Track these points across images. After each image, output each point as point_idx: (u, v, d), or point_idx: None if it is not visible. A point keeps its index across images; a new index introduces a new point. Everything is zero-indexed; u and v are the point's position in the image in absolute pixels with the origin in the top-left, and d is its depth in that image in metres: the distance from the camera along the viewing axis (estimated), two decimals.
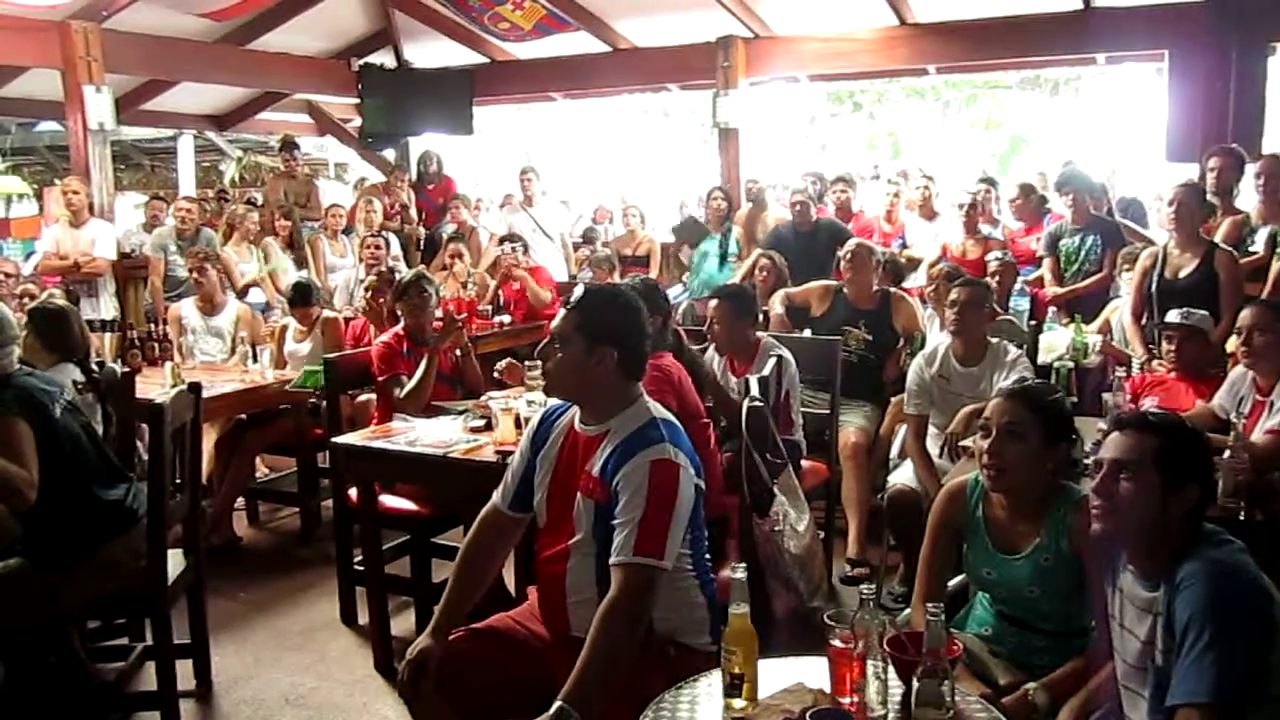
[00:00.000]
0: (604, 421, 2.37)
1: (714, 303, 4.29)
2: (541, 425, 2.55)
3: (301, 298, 5.56)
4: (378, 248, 6.84)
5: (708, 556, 2.47)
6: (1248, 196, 5.09)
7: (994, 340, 4.14)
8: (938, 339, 4.47)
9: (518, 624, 2.50)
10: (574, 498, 2.37)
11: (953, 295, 4.13)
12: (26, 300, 5.39)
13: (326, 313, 5.75)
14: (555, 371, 2.40)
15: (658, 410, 2.40)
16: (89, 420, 3.26)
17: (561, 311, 2.42)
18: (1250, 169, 5.05)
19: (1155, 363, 4.32)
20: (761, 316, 4.83)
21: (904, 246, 6.94)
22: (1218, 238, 4.80)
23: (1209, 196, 4.95)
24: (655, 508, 2.21)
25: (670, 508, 2.23)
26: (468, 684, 2.32)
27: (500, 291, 7.03)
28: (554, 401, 2.60)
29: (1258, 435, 3.24)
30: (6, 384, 3.03)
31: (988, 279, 5.31)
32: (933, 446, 4.08)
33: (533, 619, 2.51)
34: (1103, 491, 1.97)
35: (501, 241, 7.33)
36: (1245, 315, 3.59)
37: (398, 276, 5.02)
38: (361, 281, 6.63)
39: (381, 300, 5.22)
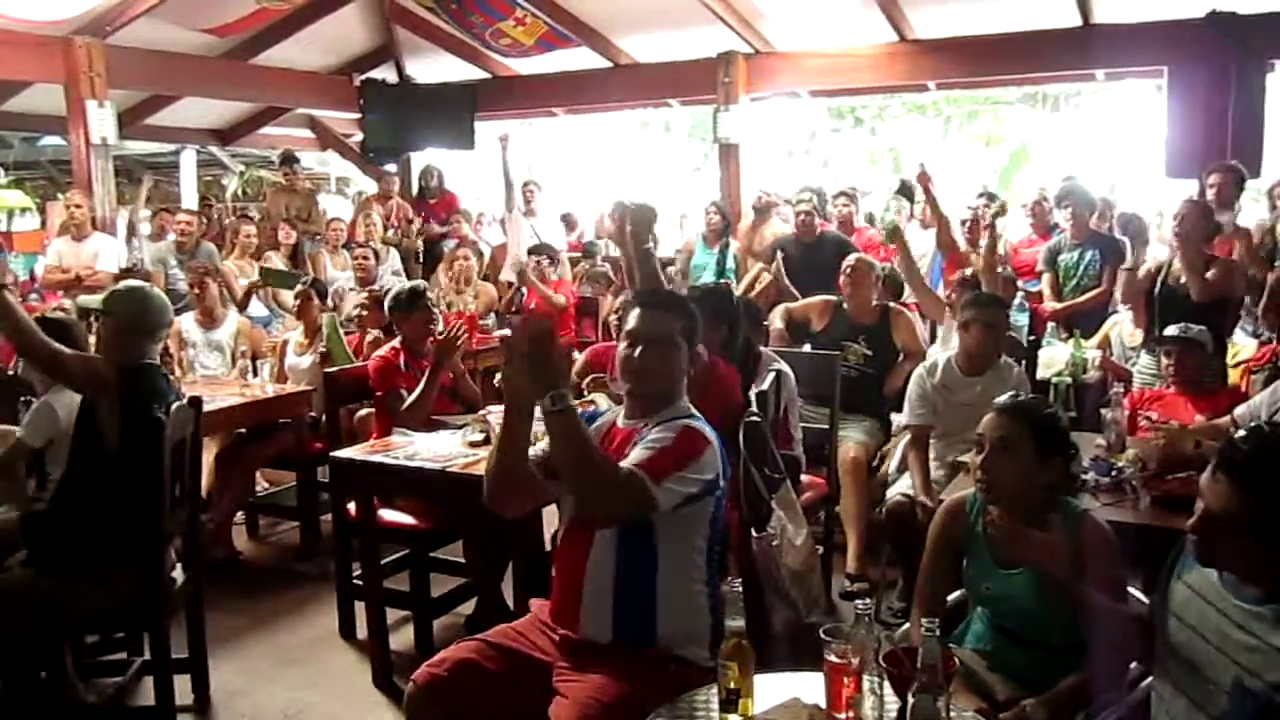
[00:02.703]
0: (649, 415, 2.47)
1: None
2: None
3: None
4: (366, 258, 6.86)
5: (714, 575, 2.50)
6: (1248, 213, 5.11)
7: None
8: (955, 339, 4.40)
9: (520, 635, 2.50)
10: None
11: (975, 315, 4.07)
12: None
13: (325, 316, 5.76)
14: (659, 371, 2.48)
15: (696, 413, 2.51)
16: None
17: (652, 314, 2.51)
18: (1254, 184, 5.07)
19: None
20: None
21: None
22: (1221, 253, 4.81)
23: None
24: (674, 450, 2.31)
25: (687, 460, 2.31)
26: (467, 696, 2.33)
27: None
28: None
29: None
30: (140, 371, 3.21)
31: None
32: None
33: (535, 631, 2.52)
34: (1198, 531, 1.88)
35: (530, 252, 7.34)
36: None
37: (392, 289, 5.00)
38: (352, 290, 6.67)
39: (377, 317, 5.23)
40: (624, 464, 2.27)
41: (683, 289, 7.56)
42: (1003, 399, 2.54)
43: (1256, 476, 1.81)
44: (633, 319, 2.54)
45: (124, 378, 3.16)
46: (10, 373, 4.48)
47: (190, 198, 12.93)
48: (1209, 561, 1.92)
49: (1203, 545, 1.89)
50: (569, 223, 10.79)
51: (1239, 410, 3.62)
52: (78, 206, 6.88)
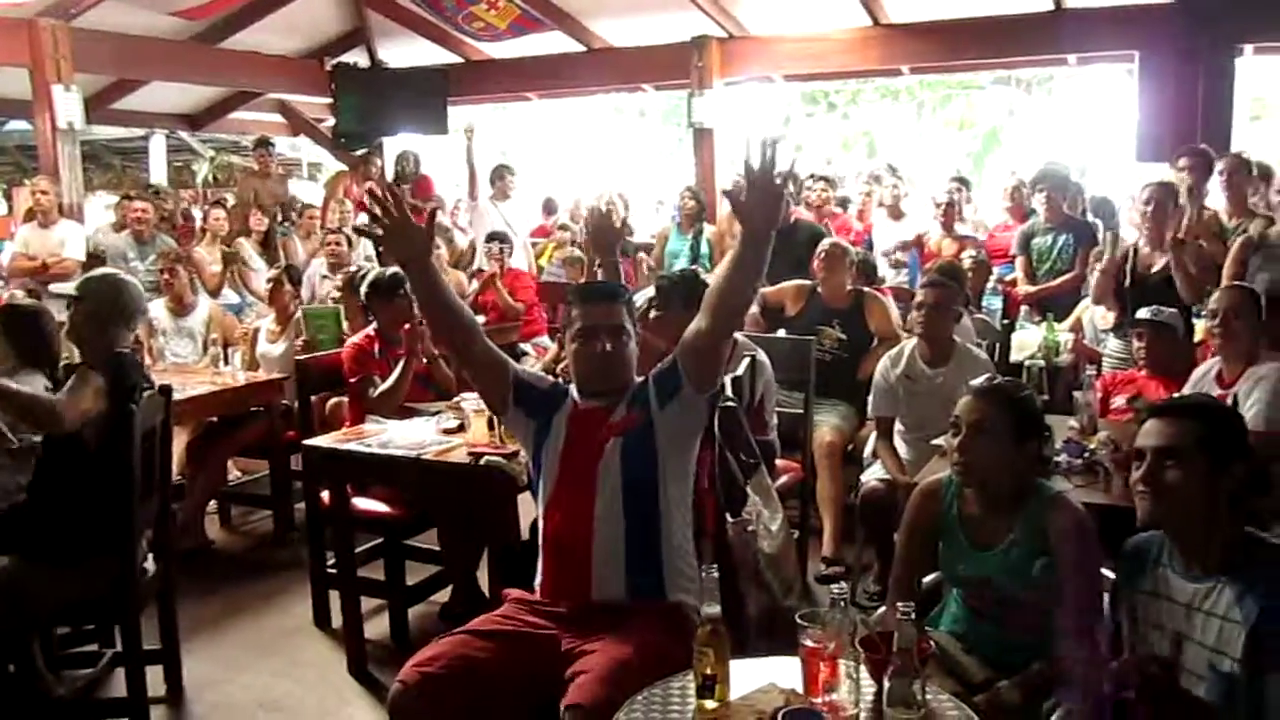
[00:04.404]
0: (614, 396, 2.59)
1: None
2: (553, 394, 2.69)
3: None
4: (338, 244, 6.79)
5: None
6: (1216, 196, 5.13)
7: (958, 340, 4.17)
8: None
9: (507, 619, 2.49)
10: (596, 455, 2.51)
11: (919, 297, 4.14)
12: None
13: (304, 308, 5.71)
14: (623, 358, 2.62)
15: None
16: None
17: (601, 306, 2.63)
18: (1218, 167, 5.10)
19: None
20: None
21: (870, 247, 6.95)
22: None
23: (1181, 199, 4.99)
24: None
25: None
26: (459, 691, 2.28)
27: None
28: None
29: None
30: (117, 360, 3.18)
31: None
32: (900, 445, 4.11)
33: (523, 612, 2.50)
34: (1149, 480, 1.99)
35: (489, 240, 7.28)
36: (1221, 298, 3.62)
37: (369, 275, 4.96)
38: (326, 278, 6.62)
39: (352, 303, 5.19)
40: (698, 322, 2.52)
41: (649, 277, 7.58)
42: (979, 381, 2.55)
43: (1190, 406, 2.07)
44: (583, 315, 2.61)
45: (111, 383, 3.11)
46: None
47: (161, 183, 12.77)
48: (1157, 520, 2.02)
49: (1154, 496, 1.98)
50: (548, 208, 10.76)
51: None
52: (44, 193, 6.77)
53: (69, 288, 3.48)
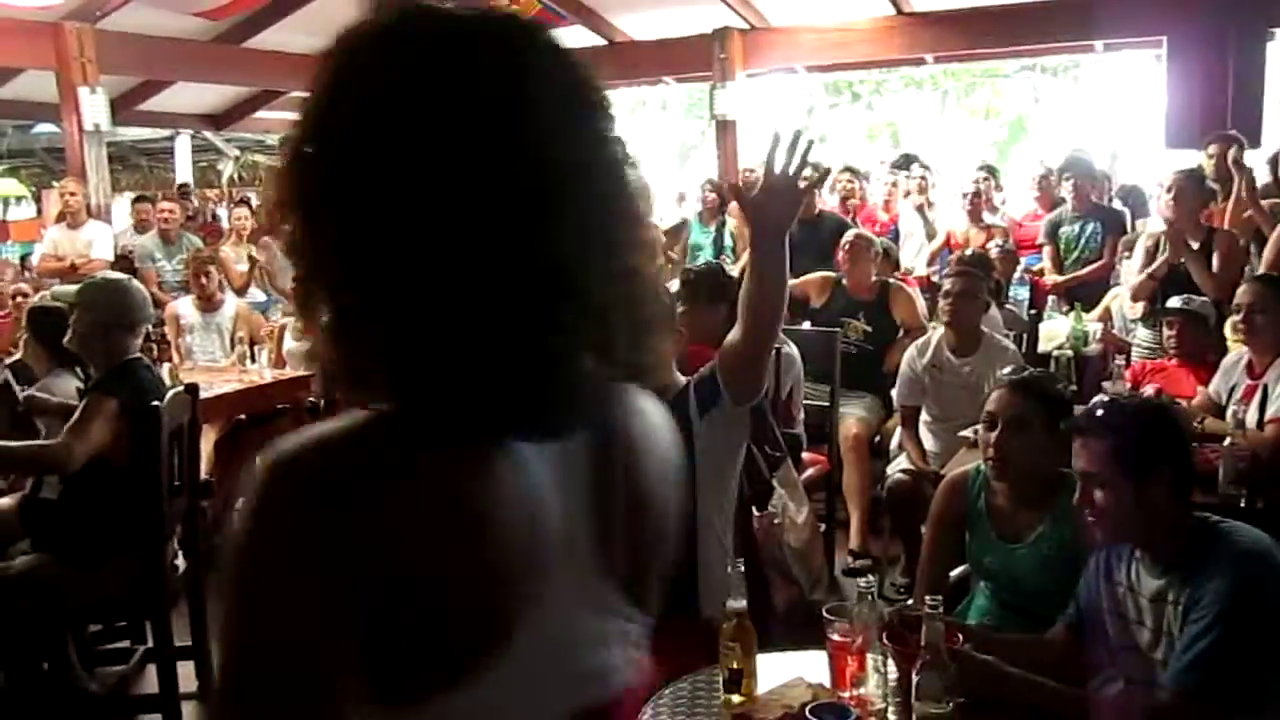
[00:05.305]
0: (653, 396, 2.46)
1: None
2: None
3: None
4: None
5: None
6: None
7: (985, 331, 4.14)
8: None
9: None
10: None
11: (946, 285, 4.12)
12: (20, 299, 5.38)
13: None
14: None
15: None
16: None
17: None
18: (1253, 154, 5.01)
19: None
20: None
21: (896, 238, 6.91)
22: (1225, 223, 4.76)
23: (1209, 183, 4.92)
24: None
25: None
26: None
27: None
28: None
29: (1251, 421, 3.24)
30: (127, 370, 3.12)
31: None
32: (926, 436, 4.09)
33: None
34: (1085, 502, 1.99)
35: None
36: (1244, 292, 3.57)
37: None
38: None
39: None
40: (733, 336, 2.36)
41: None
42: (1009, 372, 2.52)
43: (1099, 422, 2.00)
44: None
45: (125, 399, 3.07)
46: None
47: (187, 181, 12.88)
48: (1113, 537, 2.01)
49: (1093, 519, 1.98)
50: None
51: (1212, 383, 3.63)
52: (72, 194, 6.84)
53: (69, 290, 3.39)
